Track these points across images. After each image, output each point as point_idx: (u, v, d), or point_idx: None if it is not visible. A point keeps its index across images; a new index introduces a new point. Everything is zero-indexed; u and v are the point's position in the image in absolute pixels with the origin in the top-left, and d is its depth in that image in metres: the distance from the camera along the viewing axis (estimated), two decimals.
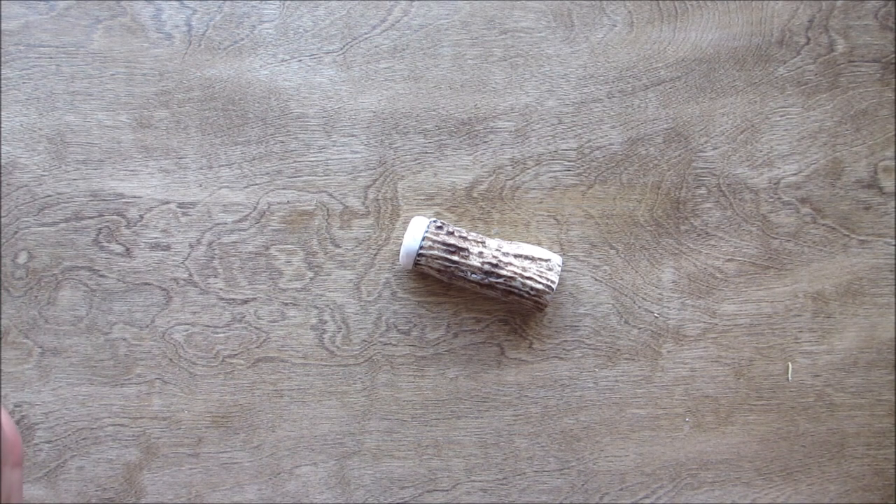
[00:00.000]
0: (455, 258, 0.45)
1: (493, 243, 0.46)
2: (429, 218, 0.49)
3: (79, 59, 0.48)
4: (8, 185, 0.48)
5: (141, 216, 0.48)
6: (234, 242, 0.49)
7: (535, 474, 0.50)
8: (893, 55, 0.51)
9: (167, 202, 0.48)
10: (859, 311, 0.51)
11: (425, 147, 0.49)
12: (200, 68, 0.48)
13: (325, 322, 0.49)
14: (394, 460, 0.50)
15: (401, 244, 0.49)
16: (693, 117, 0.50)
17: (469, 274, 0.46)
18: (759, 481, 0.51)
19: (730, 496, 0.51)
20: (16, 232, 0.48)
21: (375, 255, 0.49)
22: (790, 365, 0.51)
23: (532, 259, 0.46)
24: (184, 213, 0.49)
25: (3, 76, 0.48)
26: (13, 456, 0.24)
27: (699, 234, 0.51)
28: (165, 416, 0.49)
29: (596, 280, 0.50)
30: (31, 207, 0.48)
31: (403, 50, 0.49)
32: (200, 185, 0.49)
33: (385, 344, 0.50)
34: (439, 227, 0.46)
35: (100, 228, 0.48)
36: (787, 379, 0.51)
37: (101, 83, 0.48)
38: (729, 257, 0.51)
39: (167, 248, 0.49)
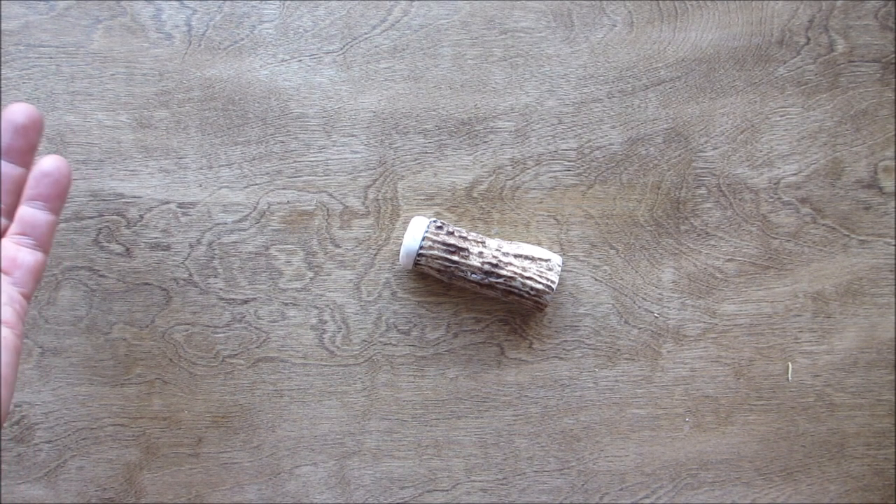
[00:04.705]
0: (455, 258, 0.45)
1: (493, 243, 0.46)
2: (429, 218, 0.49)
3: (79, 59, 0.48)
4: None
5: (141, 216, 0.48)
6: (234, 242, 0.49)
7: (535, 474, 0.50)
8: (893, 55, 0.51)
9: (167, 202, 0.48)
10: (859, 311, 0.51)
11: (425, 147, 0.49)
12: (200, 68, 0.48)
13: (325, 322, 0.49)
14: (394, 460, 0.50)
15: (401, 244, 0.49)
16: (693, 117, 0.50)
17: (469, 274, 0.46)
18: (759, 481, 0.51)
19: (730, 496, 0.51)
20: None
21: (375, 255, 0.49)
22: (790, 365, 0.51)
23: (532, 259, 0.46)
24: (184, 213, 0.49)
25: (3, 76, 0.48)
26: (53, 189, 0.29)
27: (699, 234, 0.51)
28: (165, 416, 0.49)
29: (596, 280, 0.50)
30: None
31: (403, 50, 0.49)
32: (200, 185, 0.49)
33: (385, 344, 0.50)
34: (439, 227, 0.46)
35: (100, 228, 0.48)
36: (787, 379, 0.51)
37: (101, 83, 0.48)
38: (729, 257, 0.51)
39: (167, 248, 0.49)
